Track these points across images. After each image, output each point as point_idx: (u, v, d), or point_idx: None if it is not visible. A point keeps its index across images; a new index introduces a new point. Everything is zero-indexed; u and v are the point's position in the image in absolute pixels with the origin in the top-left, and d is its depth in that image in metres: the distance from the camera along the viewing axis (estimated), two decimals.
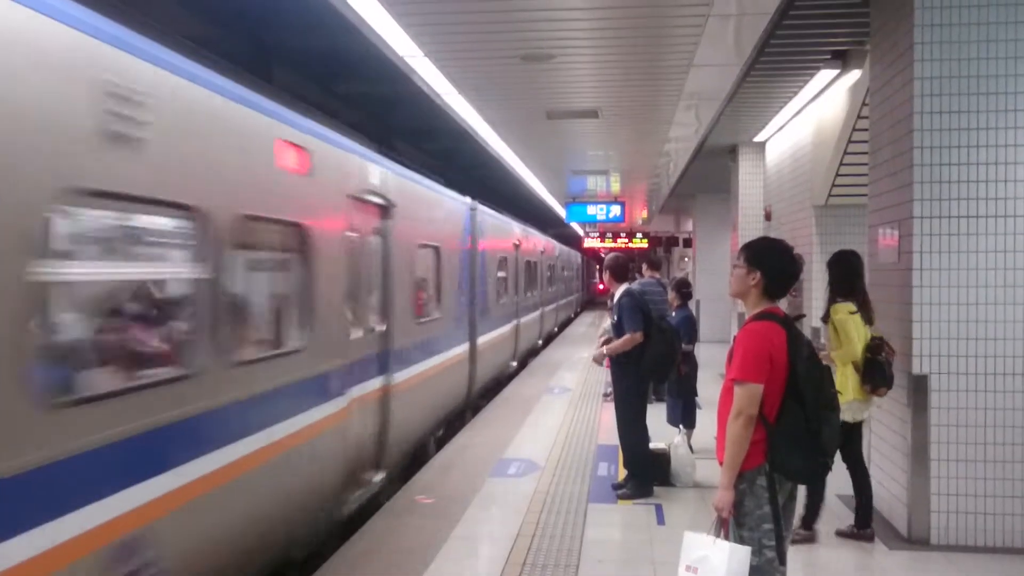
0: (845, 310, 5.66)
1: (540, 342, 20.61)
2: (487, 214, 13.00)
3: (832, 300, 5.79)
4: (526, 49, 7.23)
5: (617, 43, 7.15)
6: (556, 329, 25.75)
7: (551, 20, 6.52)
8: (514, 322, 15.40)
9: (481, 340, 11.73)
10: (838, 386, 4.58)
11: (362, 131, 8.30)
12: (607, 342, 7.19)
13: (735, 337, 3.61)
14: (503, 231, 14.79)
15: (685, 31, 6.75)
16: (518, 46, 7.16)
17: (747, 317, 3.64)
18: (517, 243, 16.27)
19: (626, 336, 6.85)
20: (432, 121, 12.88)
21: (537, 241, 20.54)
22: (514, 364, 15.44)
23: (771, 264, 3.60)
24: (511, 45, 7.14)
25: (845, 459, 5.61)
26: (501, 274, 14.11)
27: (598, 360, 7.44)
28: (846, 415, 5.19)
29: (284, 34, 9.71)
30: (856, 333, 5.60)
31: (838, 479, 5.66)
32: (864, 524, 5.80)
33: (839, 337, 5.63)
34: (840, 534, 5.84)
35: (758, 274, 3.58)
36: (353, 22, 6.33)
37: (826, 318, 5.81)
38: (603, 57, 7.61)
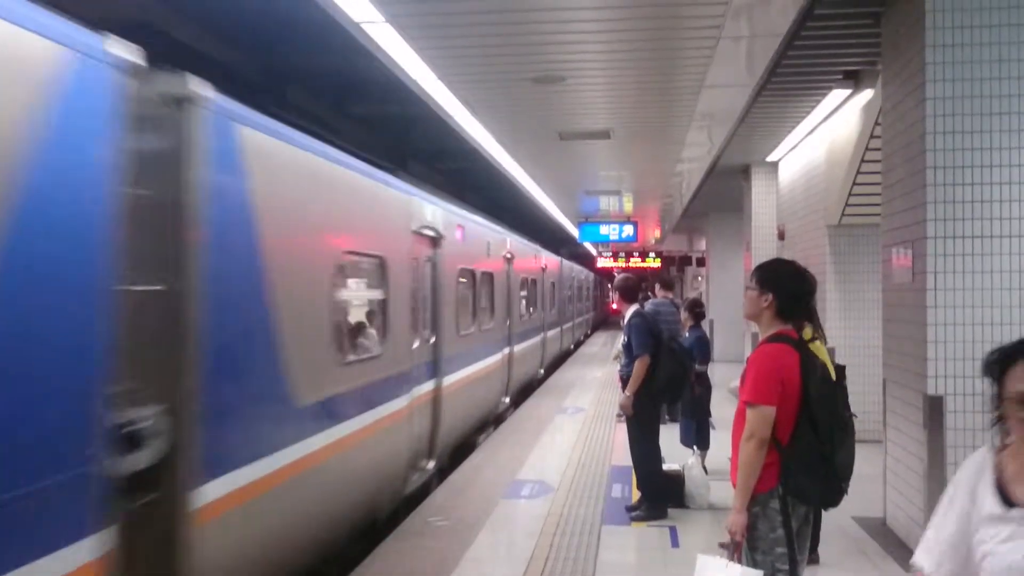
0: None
1: (507, 400, 13.34)
2: (325, 161, 5.67)
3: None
4: (538, 71, 7.28)
5: (629, 65, 7.19)
6: (543, 372, 18.10)
7: (563, 43, 6.57)
8: (430, 384, 8.22)
9: (306, 449, 5.11)
10: None
11: (376, 152, 8.37)
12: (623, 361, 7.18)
13: (748, 359, 3.61)
14: (393, 211, 7.28)
15: (697, 52, 6.78)
16: (530, 68, 7.21)
17: (760, 339, 3.64)
18: (435, 238, 8.67)
19: (636, 365, 6.87)
20: (445, 142, 12.95)
21: (507, 246, 13.63)
22: (430, 466, 8.12)
23: (783, 286, 3.60)
24: (523, 67, 7.19)
25: None
26: (380, 295, 6.88)
27: (627, 408, 6.92)
28: None
29: (298, 56, 9.82)
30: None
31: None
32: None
33: None
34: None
35: (770, 296, 3.57)
36: (367, 47, 6.40)
37: None
38: (615, 79, 7.66)
